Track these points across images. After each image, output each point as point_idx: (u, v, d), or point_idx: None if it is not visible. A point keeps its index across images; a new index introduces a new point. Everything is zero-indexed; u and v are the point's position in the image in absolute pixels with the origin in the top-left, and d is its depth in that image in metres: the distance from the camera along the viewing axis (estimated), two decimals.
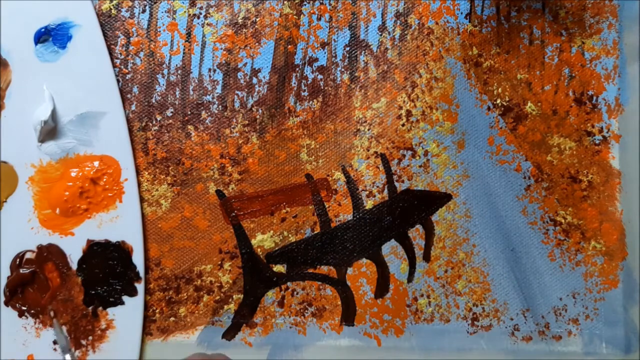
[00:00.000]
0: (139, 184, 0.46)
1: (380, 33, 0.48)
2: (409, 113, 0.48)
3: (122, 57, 0.47)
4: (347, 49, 0.48)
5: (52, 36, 0.45)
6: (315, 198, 0.48)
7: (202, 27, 0.47)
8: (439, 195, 0.48)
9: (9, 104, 0.45)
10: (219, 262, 0.47)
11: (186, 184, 0.47)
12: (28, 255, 0.45)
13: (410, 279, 0.48)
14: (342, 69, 0.48)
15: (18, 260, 0.45)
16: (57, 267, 0.45)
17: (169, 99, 0.47)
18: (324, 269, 0.47)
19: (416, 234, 0.48)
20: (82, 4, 0.46)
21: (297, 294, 0.47)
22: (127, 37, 0.47)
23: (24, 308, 0.45)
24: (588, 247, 0.48)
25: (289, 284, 0.47)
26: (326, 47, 0.48)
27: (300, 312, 0.47)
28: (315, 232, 0.47)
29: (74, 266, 0.45)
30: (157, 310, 0.46)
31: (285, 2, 0.48)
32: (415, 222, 0.48)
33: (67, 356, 0.43)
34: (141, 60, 0.47)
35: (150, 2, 0.47)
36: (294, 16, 0.48)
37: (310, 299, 0.47)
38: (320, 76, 0.48)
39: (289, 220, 0.47)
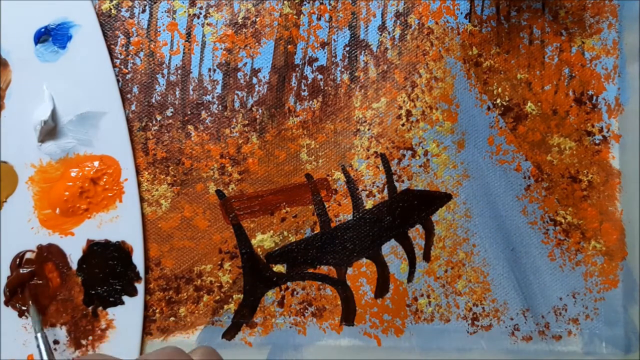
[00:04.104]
0: (139, 184, 0.46)
1: (380, 33, 0.48)
2: (409, 113, 0.48)
3: (122, 57, 0.47)
4: (347, 49, 0.48)
5: (52, 36, 0.45)
6: (315, 198, 0.47)
7: (202, 27, 0.47)
8: (439, 195, 0.48)
9: (9, 104, 0.45)
10: (219, 262, 0.47)
11: (186, 184, 0.47)
12: (28, 255, 0.45)
13: (410, 278, 0.48)
14: (342, 69, 0.48)
15: (18, 260, 0.45)
16: (57, 267, 0.45)
17: (169, 99, 0.47)
18: (324, 269, 0.47)
19: (416, 234, 0.48)
20: (82, 4, 0.46)
21: (297, 293, 0.47)
22: (127, 37, 0.47)
23: (24, 308, 0.45)
24: (588, 247, 0.48)
25: (289, 283, 0.47)
26: (326, 47, 0.48)
27: (300, 312, 0.47)
28: (315, 232, 0.47)
29: (74, 266, 0.45)
30: (157, 310, 0.46)
31: (285, 2, 0.48)
32: (415, 222, 0.48)
33: (39, 335, 0.43)
34: (141, 60, 0.47)
35: (150, 2, 0.47)
36: (294, 16, 0.48)
37: (310, 299, 0.47)
38: (320, 76, 0.48)
39: (289, 220, 0.47)
